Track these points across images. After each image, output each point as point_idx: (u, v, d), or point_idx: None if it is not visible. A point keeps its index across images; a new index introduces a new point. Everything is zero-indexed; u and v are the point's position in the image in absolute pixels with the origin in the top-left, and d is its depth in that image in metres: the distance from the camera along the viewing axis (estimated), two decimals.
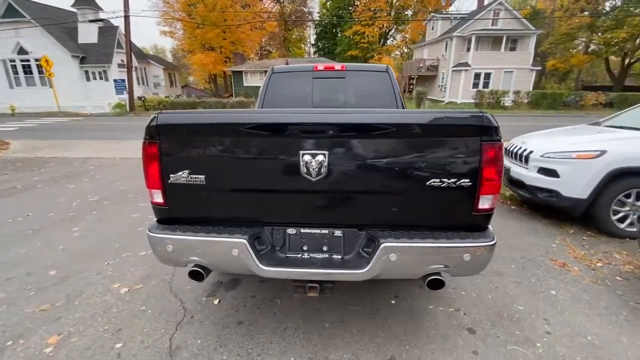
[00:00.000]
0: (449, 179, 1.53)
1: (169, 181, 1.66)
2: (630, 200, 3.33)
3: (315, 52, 48.09)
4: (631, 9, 28.72)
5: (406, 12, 40.43)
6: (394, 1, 38.35)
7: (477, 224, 1.64)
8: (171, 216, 1.74)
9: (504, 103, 21.76)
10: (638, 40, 29.71)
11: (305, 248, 1.72)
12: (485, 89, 22.56)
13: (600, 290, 2.51)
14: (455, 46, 24.39)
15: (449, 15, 28.90)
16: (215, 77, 32.39)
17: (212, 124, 1.60)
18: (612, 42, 31.03)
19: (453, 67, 24.66)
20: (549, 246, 3.24)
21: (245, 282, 2.58)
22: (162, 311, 2.25)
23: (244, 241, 1.59)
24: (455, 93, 24.68)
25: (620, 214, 3.39)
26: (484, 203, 1.58)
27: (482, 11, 24.25)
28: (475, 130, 1.50)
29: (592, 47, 33.81)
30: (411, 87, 30.77)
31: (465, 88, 23.96)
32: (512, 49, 24.38)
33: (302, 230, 1.71)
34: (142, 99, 20.06)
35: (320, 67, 3.56)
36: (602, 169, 3.27)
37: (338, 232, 1.69)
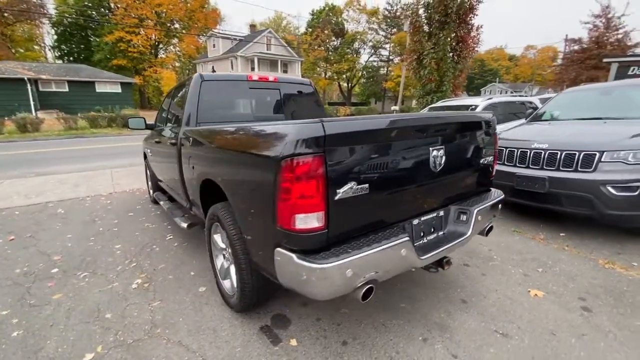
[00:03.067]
0: (486, 157, 2.28)
1: (335, 198, 1.43)
2: None
3: (59, 57, 37.31)
4: (346, 49, 41.29)
5: (175, 26, 39.02)
6: (161, 12, 36.05)
7: (490, 186, 2.49)
8: (329, 239, 1.47)
9: None
10: (353, 71, 43.06)
11: (422, 234, 1.96)
12: None
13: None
14: (240, 65, 26.44)
15: (229, 36, 30.79)
16: None
17: (379, 129, 1.56)
18: (340, 71, 43.52)
19: None
20: None
21: (291, 313, 2.28)
22: None
23: (408, 239, 1.65)
24: None
25: None
26: (494, 171, 2.46)
27: (258, 36, 27.67)
28: (494, 124, 2.33)
29: (329, 74, 46.25)
30: None
31: None
32: (285, 71, 29.37)
33: (422, 218, 1.94)
34: None
35: (255, 77, 3.42)
36: None
37: (441, 212, 2.05)
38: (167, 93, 4.42)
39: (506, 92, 44.75)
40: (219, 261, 2.49)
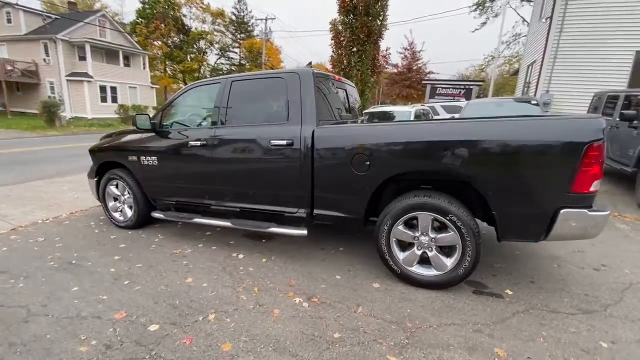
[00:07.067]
0: None
1: None
2: None
3: None
4: (191, 48, 38.30)
5: None
6: None
7: None
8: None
9: None
10: (203, 71, 40.71)
11: None
12: (115, 103, 21.60)
13: None
14: (63, 52, 20.10)
15: (37, 11, 22.39)
16: None
17: None
18: (187, 70, 40.28)
19: (67, 76, 20.35)
20: None
21: (476, 276, 2.74)
22: None
23: None
24: (81, 107, 20.81)
25: None
26: None
27: (87, 17, 21.71)
28: None
29: (169, 71, 41.50)
30: None
31: (93, 102, 20.99)
32: (127, 65, 24.48)
33: None
34: None
35: (337, 77, 3.48)
36: None
37: None
38: (188, 87, 3.55)
39: None
40: (401, 252, 2.63)
